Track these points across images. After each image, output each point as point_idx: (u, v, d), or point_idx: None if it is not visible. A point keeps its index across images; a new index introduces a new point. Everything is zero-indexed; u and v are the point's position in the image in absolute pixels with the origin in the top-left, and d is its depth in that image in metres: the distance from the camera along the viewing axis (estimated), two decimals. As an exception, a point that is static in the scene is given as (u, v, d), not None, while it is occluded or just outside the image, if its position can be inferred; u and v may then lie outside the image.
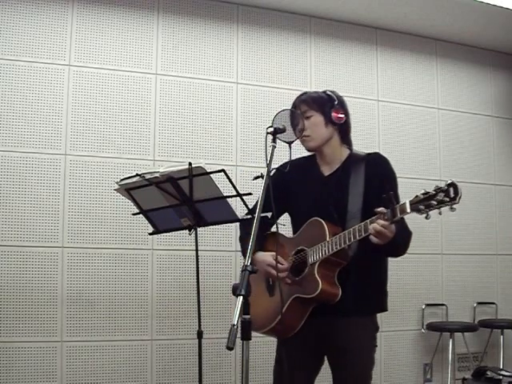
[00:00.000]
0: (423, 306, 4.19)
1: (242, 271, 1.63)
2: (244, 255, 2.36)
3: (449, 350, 3.97)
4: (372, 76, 4.29)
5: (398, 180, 2.24)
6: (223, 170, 2.30)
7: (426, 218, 1.80)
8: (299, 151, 2.31)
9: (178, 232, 2.86)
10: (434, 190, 1.80)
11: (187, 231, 2.55)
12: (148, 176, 2.39)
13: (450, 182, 1.77)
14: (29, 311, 3.28)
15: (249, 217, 2.27)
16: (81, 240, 3.43)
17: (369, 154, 2.29)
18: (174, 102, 3.74)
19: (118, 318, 3.45)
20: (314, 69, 4.13)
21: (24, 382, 3.22)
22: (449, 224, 4.30)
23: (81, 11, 3.59)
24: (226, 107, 3.86)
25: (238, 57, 3.94)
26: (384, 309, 2.27)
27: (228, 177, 2.30)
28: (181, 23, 3.82)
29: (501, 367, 4.09)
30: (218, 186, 2.35)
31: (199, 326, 2.54)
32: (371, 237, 1.94)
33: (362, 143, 2.37)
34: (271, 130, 2.01)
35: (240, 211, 2.59)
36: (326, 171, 2.30)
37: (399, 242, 2.05)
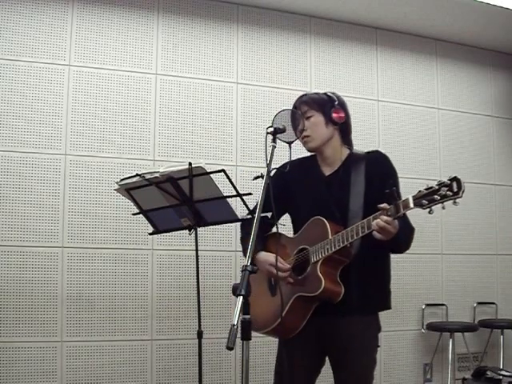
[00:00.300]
0: (423, 306, 4.19)
1: (242, 271, 1.63)
2: (245, 255, 2.37)
3: (449, 350, 3.97)
4: (372, 76, 4.29)
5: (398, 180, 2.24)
6: (223, 170, 2.30)
7: (430, 212, 1.81)
8: (299, 151, 2.31)
9: (178, 232, 2.87)
10: (437, 185, 1.80)
11: (187, 231, 2.55)
12: (148, 176, 2.39)
13: (452, 176, 1.78)
14: (29, 311, 3.28)
15: (249, 217, 2.27)
16: (81, 240, 3.43)
17: (369, 153, 2.29)
18: (174, 102, 3.74)
19: (118, 318, 3.45)
20: (313, 69, 4.13)
21: (24, 382, 3.22)
22: (449, 224, 4.30)
23: (81, 11, 3.59)
24: (226, 107, 3.86)
25: (238, 57, 3.94)
26: (388, 307, 2.26)
27: (228, 177, 2.30)
28: (181, 23, 3.82)
29: (501, 367, 4.09)
30: (218, 185, 2.35)
31: (199, 326, 2.54)
32: (374, 233, 1.94)
33: (362, 143, 2.36)
34: (271, 130, 2.01)
35: (240, 211, 2.59)
36: (327, 171, 2.30)
37: (402, 237, 2.05)
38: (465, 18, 4.15)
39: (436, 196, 1.79)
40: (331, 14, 4.12)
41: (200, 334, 2.52)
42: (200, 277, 2.56)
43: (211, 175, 2.34)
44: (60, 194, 3.43)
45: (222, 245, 3.69)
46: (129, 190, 2.46)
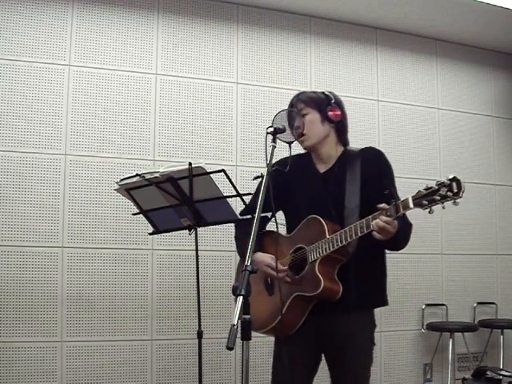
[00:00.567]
0: (423, 306, 4.19)
1: (242, 271, 1.63)
2: (240, 254, 2.37)
3: (449, 350, 3.97)
4: (372, 76, 4.29)
5: (398, 180, 2.24)
6: (223, 170, 2.31)
7: (430, 212, 1.81)
8: (297, 150, 2.31)
9: (178, 232, 2.87)
10: (437, 185, 1.79)
11: (187, 231, 2.55)
12: (148, 176, 2.39)
13: (451, 176, 1.77)
14: (29, 311, 3.28)
15: (249, 217, 2.27)
16: (81, 240, 3.43)
17: (363, 149, 2.28)
18: (174, 102, 3.74)
19: (118, 318, 3.45)
20: (313, 69, 4.13)
21: (24, 382, 3.22)
22: (449, 224, 4.30)
23: (81, 11, 3.59)
24: (226, 107, 3.86)
25: (238, 57, 3.94)
26: (385, 303, 2.26)
27: (228, 177, 2.31)
28: (181, 23, 3.82)
29: (501, 367, 4.09)
30: (218, 185, 2.35)
31: (199, 325, 2.54)
32: (374, 233, 1.95)
33: (362, 143, 2.36)
34: (271, 130, 2.01)
35: (240, 211, 2.58)
36: (322, 168, 2.30)
37: (401, 236, 2.05)
38: (465, 18, 4.15)
39: (436, 196, 1.78)
40: (331, 14, 4.12)
41: (200, 334, 2.52)
42: (200, 277, 2.56)
43: (211, 175, 2.34)
44: (60, 193, 3.43)
45: (222, 245, 3.69)
46: (129, 190, 2.46)
